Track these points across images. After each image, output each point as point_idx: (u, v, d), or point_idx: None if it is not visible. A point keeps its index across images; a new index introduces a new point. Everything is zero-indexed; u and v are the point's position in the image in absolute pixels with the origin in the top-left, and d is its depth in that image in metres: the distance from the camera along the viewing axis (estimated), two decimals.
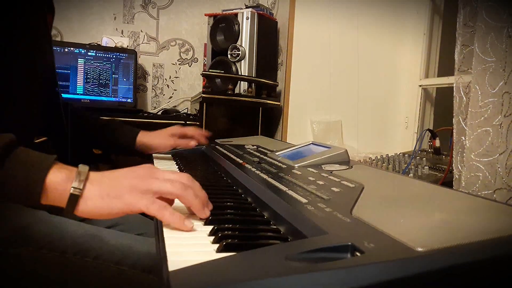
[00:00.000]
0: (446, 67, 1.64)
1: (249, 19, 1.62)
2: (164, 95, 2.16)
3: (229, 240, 0.42)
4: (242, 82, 1.62)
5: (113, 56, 1.86)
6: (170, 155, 1.10)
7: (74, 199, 0.49)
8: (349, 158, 0.75)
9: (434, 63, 1.70)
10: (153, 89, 2.15)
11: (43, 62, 0.84)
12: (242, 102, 1.53)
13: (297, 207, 0.48)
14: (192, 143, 1.06)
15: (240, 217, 0.55)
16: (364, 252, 0.32)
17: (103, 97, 1.84)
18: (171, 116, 1.74)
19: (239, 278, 0.29)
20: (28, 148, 0.53)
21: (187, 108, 2.13)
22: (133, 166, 0.55)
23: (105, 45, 1.90)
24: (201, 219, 0.52)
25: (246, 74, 1.63)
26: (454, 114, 0.89)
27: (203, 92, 1.48)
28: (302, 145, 0.87)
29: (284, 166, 0.73)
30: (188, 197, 0.51)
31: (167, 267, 0.35)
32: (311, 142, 0.87)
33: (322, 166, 0.70)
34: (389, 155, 1.23)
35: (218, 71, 1.59)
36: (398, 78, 1.75)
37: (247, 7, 1.74)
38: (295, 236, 0.45)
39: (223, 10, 1.77)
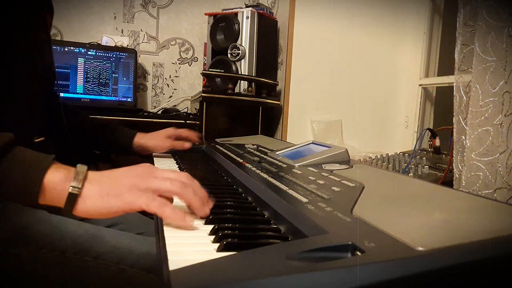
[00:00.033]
0: (446, 67, 1.64)
1: (249, 19, 1.62)
2: (164, 94, 2.16)
3: (230, 240, 0.42)
4: (242, 81, 1.62)
5: (113, 55, 1.86)
6: (170, 155, 1.10)
7: (72, 198, 0.49)
8: (349, 157, 0.75)
9: (434, 62, 1.70)
10: (153, 88, 2.15)
11: (42, 62, 0.84)
12: (242, 102, 1.53)
13: (297, 206, 0.48)
14: (187, 145, 1.09)
15: (240, 216, 0.55)
16: (364, 251, 0.32)
17: (103, 96, 1.84)
18: (171, 115, 1.73)
19: (239, 277, 0.29)
20: (28, 147, 0.53)
21: (187, 107, 2.13)
22: (132, 165, 0.55)
23: (105, 44, 1.90)
24: (201, 218, 0.52)
25: (246, 74, 1.63)
26: (454, 114, 0.89)
27: (203, 92, 1.48)
28: (302, 145, 0.87)
29: (284, 165, 0.73)
30: (187, 195, 0.51)
31: (167, 266, 0.35)
32: (311, 142, 0.87)
33: (323, 165, 0.70)
34: (389, 155, 1.22)
35: (218, 70, 1.59)
36: (398, 78, 1.75)
37: (247, 6, 1.74)
38: (295, 236, 0.45)
39: (223, 10, 1.77)
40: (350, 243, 0.34)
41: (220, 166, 0.89)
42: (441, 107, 1.70)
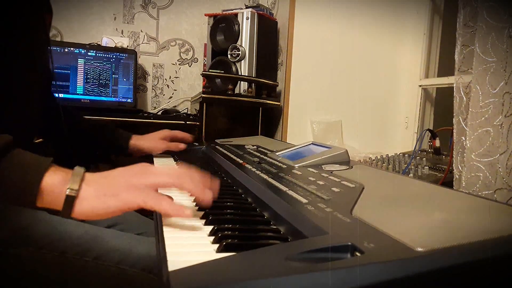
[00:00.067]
0: (446, 67, 1.64)
1: (249, 19, 1.62)
2: (164, 95, 2.16)
3: (229, 240, 0.42)
4: (242, 82, 1.62)
5: (113, 56, 1.86)
6: (170, 155, 1.10)
7: (70, 200, 0.49)
8: (349, 158, 0.75)
9: (434, 63, 1.70)
10: (153, 89, 2.15)
11: (42, 62, 0.84)
12: (242, 102, 1.53)
13: (297, 207, 0.48)
14: (182, 146, 1.10)
15: (240, 217, 0.55)
16: (364, 252, 0.32)
17: (103, 97, 1.84)
18: (171, 116, 1.73)
19: (239, 278, 0.29)
20: (28, 148, 0.53)
21: (187, 108, 2.13)
22: (128, 165, 0.55)
23: (105, 45, 1.90)
24: (201, 218, 0.52)
25: (246, 74, 1.63)
26: (454, 114, 0.89)
27: (203, 92, 1.48)
28: (302, 145, 0.87)
29: (284, 166, 0.73)
30: (185, 184, 0.51)
31: (166, 267, 0.35)
32: (311, 142, 0.87)
33: (322, 166, 0.70)
34: (389, 155, 1.23)
35: (218, 71, 1.59)
36: (398, 78, 1.75)
37: (247, 7, 1.74)
38: (295, 236, 0.45)
39: (223, 10, 1.77)
40: (349, 243, 0.34)
41: (220, 167, 0.89)
42: (441, 107, 1.70)
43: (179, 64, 2.18)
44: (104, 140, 1.06)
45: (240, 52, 1.61)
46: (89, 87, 1.82)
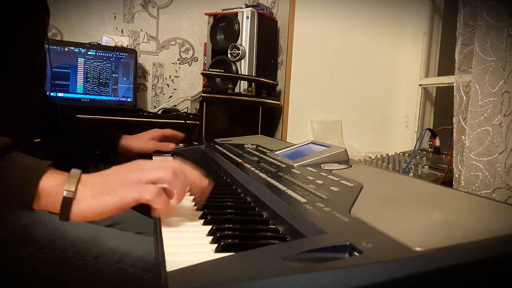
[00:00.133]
0: (446, 67, 1.64)
1: (249, 19, 1.62)
2: (164, 94, 2.16)
3: (228, 240, 0.42)
4: (242, 81, 1.62)
5: (113, 55, 1.86)
6: (170, 154, 1.11)
7: (67, 202, 0.49)
8: (349, 157, 0.75)
9: (434, 62, 1.70)
10: (153, 88, 2.15)
11: (41, 62, 0.84)
12: (242, 102, 1.53)
13: (296, 206, 0.48)
14: (172, 146, 1.10)
15: (239, 216, 0.55)
16: (362, 252, 0.32)
17: (103, 97, 1.84)
18: (171, 115, 1.73)
19: (237, 278, 0.29)
20: (28, 148, 0.53)
21: (187, 107, 2.13)
22: (123, 164, 0.54)
23: (105, 44, 1.90)
24: (199, 218, 0.53)
25: (246, 74, 1.63)
26: (454, 114, 0.89)
27: (203, 92, 1.48)
28: (302, 144, 0.87)
29: (283, 165, 0.73)
30: (177, 185, 0.51)
31: (165, 267, 0.35)
32: (310, 141, 0.87)
33: (322, 165, 0.70)
34: (389, 155, 1.22)
35: (218, 70, 1.59)
36: (398, 78, 1.75)
37: (247, 6, 1.74)
38: (293, 236, 0.45)
39: (223, 10, 1.77)
40: (348, 243, 0.34)
41: (219, 166, 0.90)
42: (441, 107, 1.70)
43: (179, 63, 2.18)
44: (93, 141, 1.05)
45: (240, 52, 1.61)
46: (89, 86, 1.82)
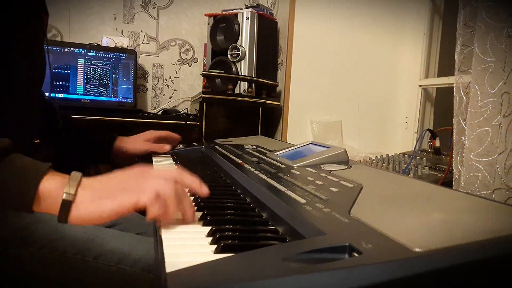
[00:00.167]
0: (446, 67, 1.64)
1: (249, 19, 1.62)
2: (164, 95, 2.16)
3: (228, 241, 0.42)
4: (242, 82, 1.62)
5: (113, 56, 1.86)
6: (169, 155, 1.11)
7: (66, 205, 0.49)
8: (348, 158, 0.75)
9: (434, 63, 1.70)
10: (153, 89, 2.15)
11: (41, 62, 0.84)
12: (242, 102, 1.53)
13: (295, 207, 0.48)
14: (167, 147, 1.09)
15: (238, 217, 0.55)
16: (361, 252, 0.32)
17: (103, 97, 1.84)
18: (171, 116, 1.74)
19: (237, 279, 0.29)
20: (28, 148, 0.53)
21: (187, 108, 2.13)
22: (126, 169, 0.54)
23: (105, 45, 1.91)
24: (200, 219, 0.53)
25: (246, 74, 1.63)
26: (454, 114, 0.89)
27: (203, 92, 1.48)
28: (301, 145, 0.87)
29: (283, 166, 0.73)
30: (172, 208, 0.50)
31: (164, 268, 0.35)
32: (310, 142, 0.87)
33: (321, 166, 0.70)
34: (389, 155, 1.23)
35: (218, 71, 1.59)
36: (398, 78, 1.75)
37: (247, 7, 1.74)
38: (293, 237, 0.45)
39: (223, 10, 1.77)
40: (347, 244, 0.34)
41: (219, 167, 0.90)
42: (441, 107, 1.70)
43: (179, 64, 2.18)
44: (87, 143, 1.05)
45: (240, 52, 1.61)
46: (89, 87, 1.82)
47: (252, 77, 1.63)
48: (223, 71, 1.60)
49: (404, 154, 1.24)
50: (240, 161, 0.81)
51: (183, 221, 0.51)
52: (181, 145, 1.20)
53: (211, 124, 1.49)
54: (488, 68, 0.76)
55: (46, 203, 0.49)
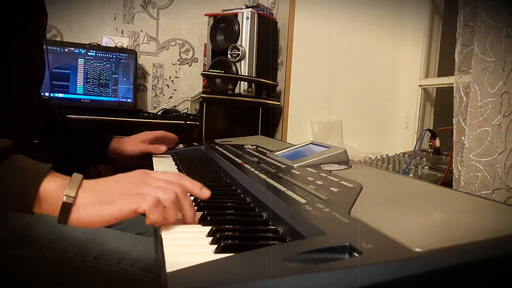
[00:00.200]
0: (446, 67, 1.64)
1: (249, 19, 1.62)
2: (164, 95, 2.16)
3: (228, 241, 0.42)
4: (242, 82, 1.62)
5: (113, 56, 1.86)
6: (170, 155, 1.11)
7: (66, 207, 0.49)
8: (348, 158, 0.75)
9: (434, 63, 1.70)
10: (153, 89, 2.15)
11: (41, 62, 0.84)
12: (242, 102, 1.53)
13: (295, 207, 0.48)
14: (162, 148, 1.09)
15: (239, 217, 0.55)
16: (362, 252, 0.32)
17: (103, 97, 1.84)
18: (171, 116, 1.74)
19: (237, 279, 0.29)
20: (28, 148, 0.53)
21: (187, 108, 2.13)
22: (126, 172, 0.54)
23: (105, 45, 1.91)
24: (200, 219, 0.53)
25: (246, 74, 1.63)
26: (454, 114, 0.89)
27: (203, 92, 1.48)
28: (301, 145, 0.87)
29: (283, 166, 0.73)
30: (171, 214, 0.50)
31: (165, 268, 0.35)
32: (310, 142, 0.87)
33: (321, 166, 0.70)
34: (389, 155, 1.23)
35: (218, 71, 1.59)
36: (398, 78, 1.75)
37: (247, 7, 1.74)
38: (293, 237, 0.45)
39: (223, 10, 1.77)
40: (347, 244, 0.34)
41: (219, 167, 0.90)
42: (441, 107, 1.70)
43: (179, 64, 2.18)
44: (83, 144, 1.05)
45: (240, 52, 1.61)
46: (89, 87, 1.82)
47: (252, 77, 1.63)
48: (223, 71, 1.60)
49: (404, 154, 1.24)
50: (240, 161, 0.81)
51: (184, 222, 0.51)
52: (181, 145, 1.20)
53: (211, 124, 1.49)
54: (488, 68, 0.76)
55: (47, 204, 0.49)
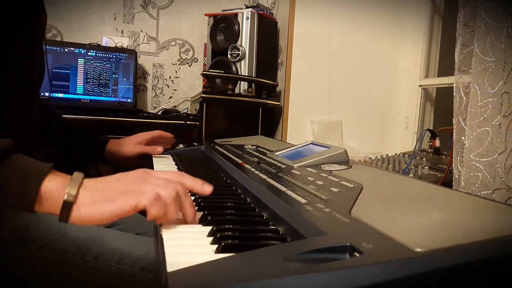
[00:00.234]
0: (446, 67, 1.64)
1: (249, 19, 1.62)
2: (164, 95, 2.16)
3: (228, 241, 0.42)
4: (242, 82, 1.62)
5: (113, 56, 1.86)
6: (170, 155, 1.11)
7: (67, 206, 0.49)
8: (349, 158, 0.75)
9: (434, 63, 1.70)
10: (153, 89, 2.15)
11: (41, 62, 0.84)
12: (242, 102, 1.53)
13: (296, 207, 0.48)
14: (159, 149, 1.09)
15: (239, 217, 0.55)
16: (362, 252, 0.32)
17: (103, 97, 1.84)
18: (171, 116, 1.74)
19: (237, 279, 0.29)
20: (28, 148, 0.53)
21: (187, 108, 2.13)
22: (127, 171, 0.54)
23: (105, 45, 1.91)
24: (200, 219, 0.53)
25: (246, 74, 1.63)
26: (454, 114, 0.89)
27: (203, 92, 1.48)
28: (302, 145, 0.87)
29: (283, 166, 0.73)
30: (172, 211, 0.51)
31: (165, 268, 0.35)
32: (310, 142, 0.87)
33: (322, 166, 0.70)
34: (389, 155, 1.23)
35: (218, 71, 1.59)
36: (398, 78, 1.75)
37: (247, 7, 1.74)
38: (294, 237, 0.45)
39: (223, 10, 1.77)
40: (348, 244, 0.34)
41: (219, 167, 0.90)
42: (441, 107, 1.70)
43: (179, 64, 2.18)
44: (79, 146, 1.05)
45: (240, 52, 1.61)
46: (89, 87, 1.82)
47: (252, 77, 1.63)
48: (223, 71, 1.60)
49: (404, 154, 1.24)
50: (240, 161, 0.81)
51: (184, 221, 0.52)
52: (181, 145, 1.20)
53: (211, 124, 1.49)
54: (488, 68, 0.76)
55: (48, 203, 0.49)
